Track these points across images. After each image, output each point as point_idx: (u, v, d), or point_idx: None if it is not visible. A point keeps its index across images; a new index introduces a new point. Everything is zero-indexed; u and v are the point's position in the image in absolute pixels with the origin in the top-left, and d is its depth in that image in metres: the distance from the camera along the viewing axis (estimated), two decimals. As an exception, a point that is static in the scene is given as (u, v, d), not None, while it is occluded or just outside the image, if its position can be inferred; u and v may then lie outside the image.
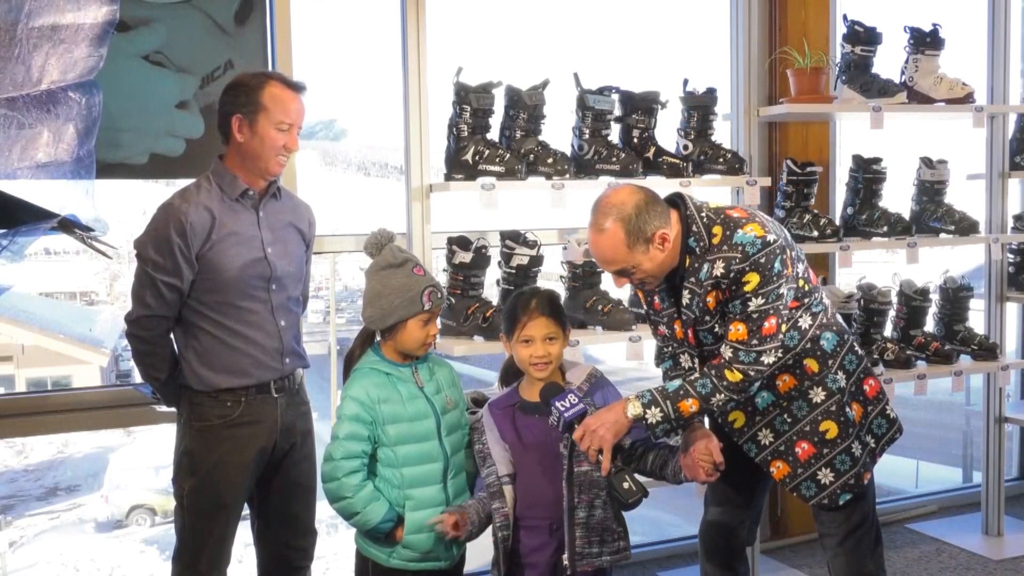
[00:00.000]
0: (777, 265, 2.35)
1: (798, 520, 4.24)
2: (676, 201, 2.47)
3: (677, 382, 2.42)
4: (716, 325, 2.46)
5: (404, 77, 3.30)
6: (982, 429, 4.41)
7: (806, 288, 2.51)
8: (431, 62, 3.30)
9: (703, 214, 2.43)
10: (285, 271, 2.68)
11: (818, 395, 2.53)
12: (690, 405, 2.37)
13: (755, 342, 2.36)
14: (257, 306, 2.63)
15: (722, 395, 2.37)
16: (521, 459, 2.51)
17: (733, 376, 2.36)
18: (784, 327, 2.42)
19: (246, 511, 2.79)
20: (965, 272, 4.28)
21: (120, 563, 10.47)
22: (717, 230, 2.39)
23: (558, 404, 2.38)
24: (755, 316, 2.35)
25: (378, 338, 2.57)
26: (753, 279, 2.34)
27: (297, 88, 2.63)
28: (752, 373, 2.37)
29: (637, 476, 2.48)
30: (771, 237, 2.36)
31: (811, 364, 2.53)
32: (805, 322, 2.51)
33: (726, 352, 2.39)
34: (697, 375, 2.41)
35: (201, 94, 3.19)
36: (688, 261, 2.43)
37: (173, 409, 2.75)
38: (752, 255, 2.34)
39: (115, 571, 10.33)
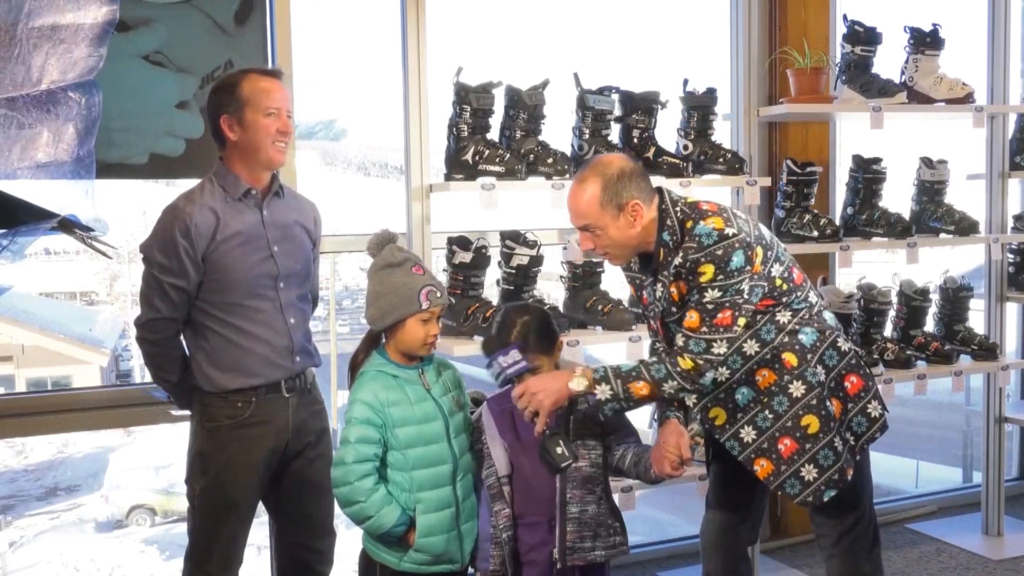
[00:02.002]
0: (736, 260, 2.36)
1: (798, 520, 4.24)
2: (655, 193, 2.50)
3: (633, 363, 2.43)
4: (683, 318, 2.46)
5: (404, 77, 3.30)
6: (982, 429, 4.41)
7: (784, 288, 2.52)
8: (431, 62, 3.30)
9: (678, 208, 2.45)
10: (292, 269, 2.69)
11: (798, 389, 2.52)
12: (641, 388, 2.38)
13: (705, 330, 2.37)
14: (265, 305, 2.63)
15: (675, 382, 2.38)
16: (519, 458, 2.51)
17: (684, 363, 2.38)
18: (742, 321, 2.42)
19: (263, 513, 2.79)
20: (965, 272, 4.28)
21: (120, 563, 10.48)
22: (690, 224, 2.42)
23: (500, 359, 2.42)
24: (710, 307, 2.37)
25: (384, 340, 2.57)
26: (708, 270, 2.36)
27: (274, 74, 2.64)
28: (701, 362, 2.38)
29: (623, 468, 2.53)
30: (730, 231, 2.37)
31: (790, 358, 2.52)
32: (784, 317, 2.53)
33: (679, 340, 2.42)
34: (654, 359, 2.43)
35: (201, 94, 3.19)
36: (662, 254, 2.46)
37: (185, 412, 2.75)
38: (707, 246, 2.36)
39: (115, 571, 10.33)
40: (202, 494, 2.64)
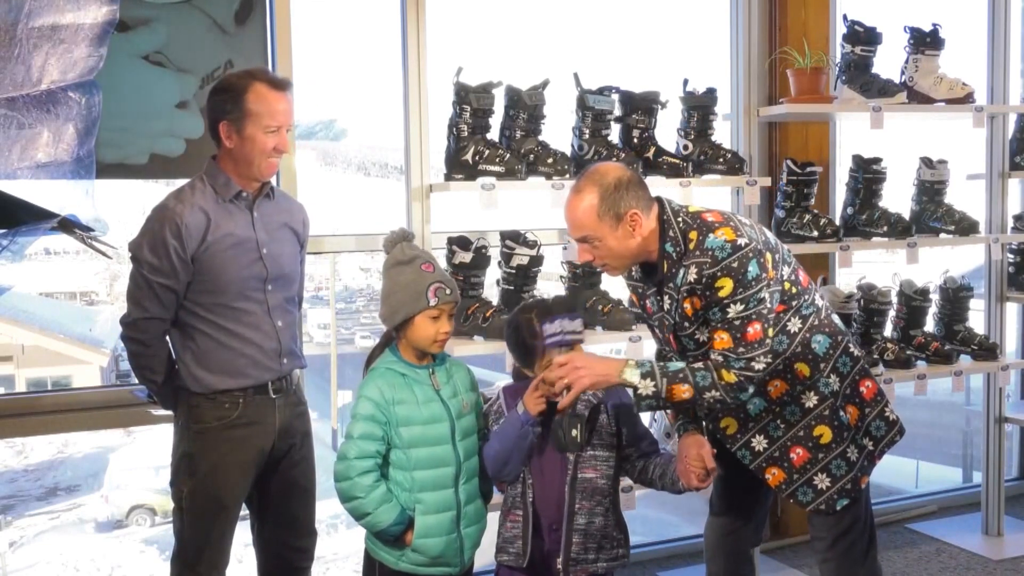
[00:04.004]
0: (752, 269, 2.32)
1: (798, 520, 4.23)
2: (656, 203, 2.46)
3: (680, 364, 2.38)
4: (697, 332, 2.43)
5: (404, 77, 3.30)
6: (982, 429, 4.41)
7: (793, 291, 2.48)
8: (431, 62, 3.30)
9: (680, 219, 2.40)
10: (281, 271, 2.68)
11: (810, 400, 2.50)
12: (684, 391, 2.33)
13: (741, 349, 2.33)
14: (254, 307, 2.63)
15: (717, 392, 2.34)
16: (531, 459, 2.50)
17: (728, 377, 2.34)
18: (771, 331, 2.38)
19: (245, 512, 2.79)
20: (965, 272, 4.28)
21: (120, 563, 10.47)
22: (693, 235, 2.37)
23: (564, 321, 2.37)
24: (737, 323, 2.33)
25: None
26: (726, 284, 2.31)
27: (282, 86, 2.59)
28: (743, 379, 2.34)
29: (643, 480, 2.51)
30: (742, 241, 2.33)
31: (802, 368, 2.50)
32: (794, 326, 2.49)
33: (716, 356, 2.36)
34: (700, 366, 2.37)
35: (201, 94, 3.18)
36: (666, 266, 2.41)
37: (168, 412, 2.74)
38: (722, 260, 2.31)
39: (115, 571, 10.33)
40: (191, 495, 2.63)
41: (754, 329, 2.33)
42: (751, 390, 2.39)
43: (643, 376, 2.33)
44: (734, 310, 2.32)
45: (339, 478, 2.42)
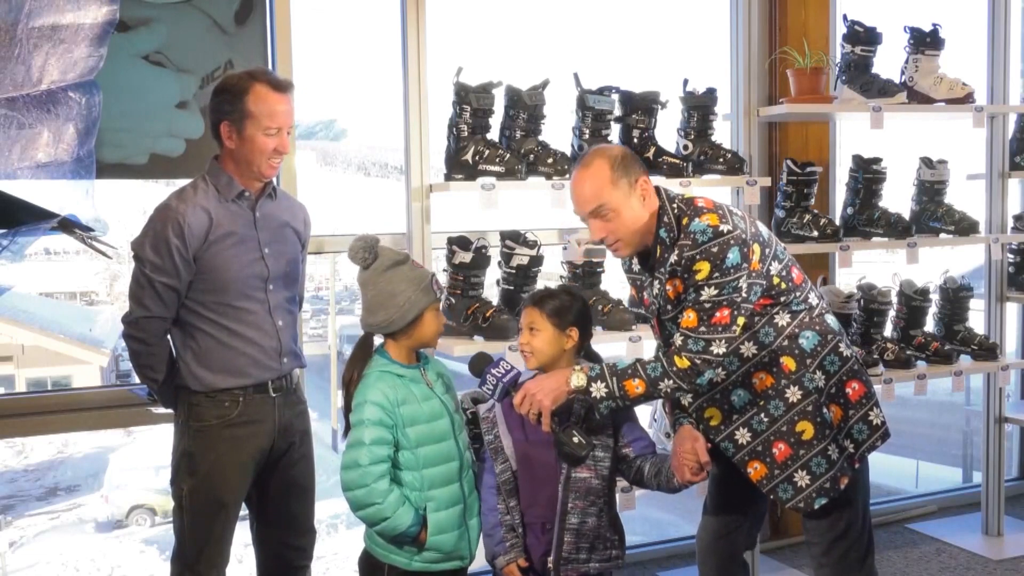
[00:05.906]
0: (732, 256, 2.34)
1: (798, 520, 4.21)
2: None
3: (629, 360, 2.42)
4: (679, 316, 2.44)
5: (404, 77, 3.30)
6: (982, 429, 4.41)
7: (783, 287, 2.50)
8: (431, 62, 3.30)
9: (675, 204, 2.44)
10: (282, 271, 2.69)
11: (795, 394, 2.50)
12: (636, 386, 2.37)
13: (703, 329, 2.35)
14: (255, 306, 2.63)
15: (670, 381, 2.36)
16: (524, 457, 2.52)
17: (681, 363, 2.36)
18: (741, 320, 2.40)
19: (245, 511, 2.80)
20: (965, 272, 4.28)
21: (120, 563, 10.47)
22: (686, 221, 2.40)
23: (494, 371, 2.44)
24: (707, 306, 2.35)
25: (379, 341, 2.56)
26: (703, 268, 2.34)
27: (283, 88, 2.59)
28: (699, 362, 2.35)
29: (640, 478, 2.51)
30: (725, 228, 2.35)
31: (788, 362, 2.50)
32: (782, 319, 2.50)
33: (677, 339, 2.40)
34: (650, 358, 2.42)
35: (201, 94, 3.19)
36: (659, 251, 2.44)
37: (170, 411, 2.75)
38: (702, 243, 2.34)
39: (115, 571, 10.33)
40: (191, 494, 2.63)
41: (722, 314, 2.35)
42: (708, 375, 2.39)
43: (593, 379, 2.38)
44: (707, 293, 2.35)
45: (353, 486, 2.39)
